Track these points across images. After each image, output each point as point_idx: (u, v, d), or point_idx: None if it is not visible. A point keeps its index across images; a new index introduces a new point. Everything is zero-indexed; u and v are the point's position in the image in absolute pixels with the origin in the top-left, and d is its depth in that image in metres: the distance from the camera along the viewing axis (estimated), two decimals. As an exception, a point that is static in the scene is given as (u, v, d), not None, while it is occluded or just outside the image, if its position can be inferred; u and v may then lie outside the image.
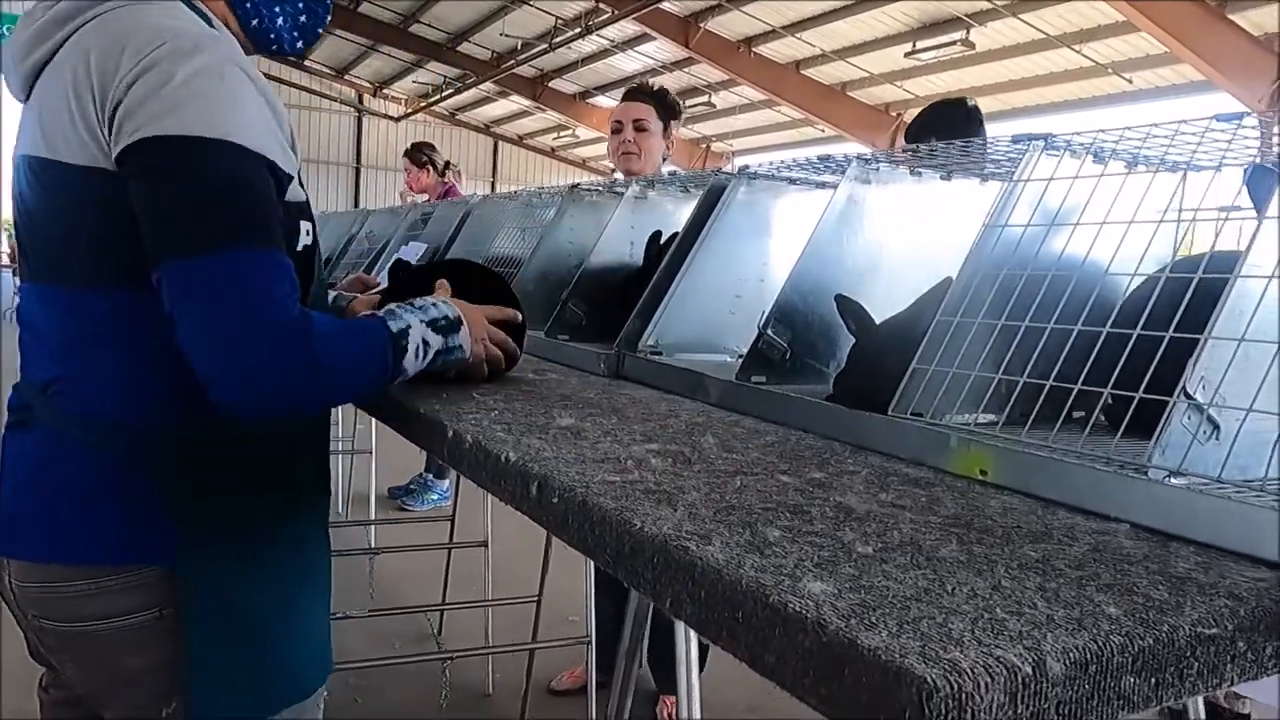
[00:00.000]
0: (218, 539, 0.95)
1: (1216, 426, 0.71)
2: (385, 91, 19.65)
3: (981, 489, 0.77)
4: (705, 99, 14.77)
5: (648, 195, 1.69)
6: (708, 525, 0.61)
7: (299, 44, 1.08)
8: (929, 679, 0.40)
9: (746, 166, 1.40)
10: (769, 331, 1.16)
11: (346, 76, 19.30)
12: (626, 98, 2.63)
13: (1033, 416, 0.83)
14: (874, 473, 0.80)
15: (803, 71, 13.19)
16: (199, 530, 0.94)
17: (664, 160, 2.64)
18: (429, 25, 15.17)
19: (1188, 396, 0.68)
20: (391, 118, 19.79)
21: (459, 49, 15.67)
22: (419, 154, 5.18)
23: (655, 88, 2.66)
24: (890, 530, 0.62)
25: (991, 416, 0.92)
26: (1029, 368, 0.85)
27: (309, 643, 1.05)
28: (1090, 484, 0.71)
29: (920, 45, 11.37)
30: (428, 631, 3.14)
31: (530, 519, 0.74)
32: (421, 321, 1.02)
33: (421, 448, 1.01)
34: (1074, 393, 0.80)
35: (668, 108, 2.60)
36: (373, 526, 3.77)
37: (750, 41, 12.81)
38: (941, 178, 1.26)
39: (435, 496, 4.53)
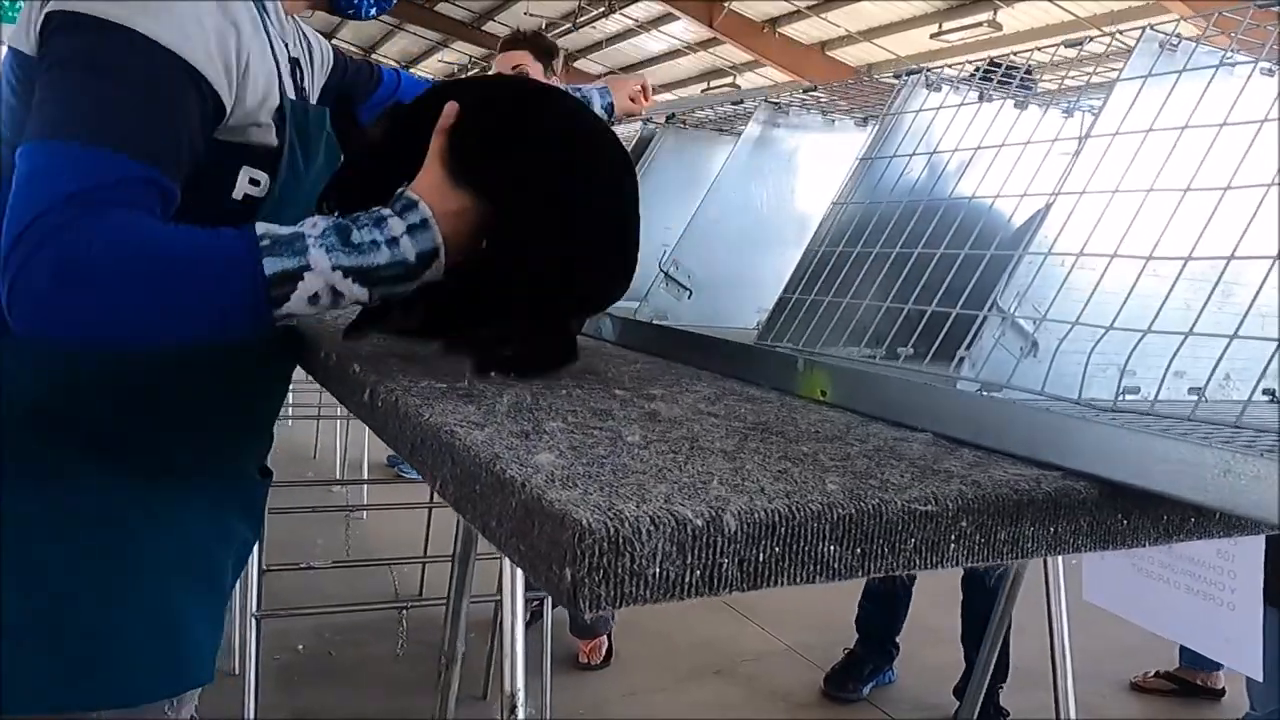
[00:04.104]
0: (44, 506, 0.83)
1: (1036, 344, 0.71)
2: (412, 70, 19.74)
3: (816, 407, 0.78)
4: (730, 80, 14.68)
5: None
6: (493, 418, 0.63)
7: (373, 10, 1.03)
8: (584, 522, 0.41)
9: (673, 115, 1.41)
10: (669, 272, 1.17)
11: (374, 55, 19.40)
12: (502, 48, 2.77)
13: (929, 355, 0.84)
14: (716, 391, 0.82)
15: (828, 53, 13.06)
16: (16, 496, 0.81)
17: None
18: (454, 4, 15.20)
19: (999, 310, 0.69)
20: (418, 97, 19.87)
21: (484, 28, 15.69)
22: None
23: (529, 34, 2.79)
24: (677, 429, 0.64)
25: (869, 351, 0.93)
26: (890, 297, 0.85)
27: (154, 641, 0.87)
28: (903, 397, 0.71)
29: (947, 26, 11.22)
30: (409, 590, 3.20)
31: (363, 421, 0.77)
32: (337, 267, 0.73)
33: (303, 368, 1.03)
34: (945, 328, 0.80)
35: (544, 50, 2.73)
36: (363, 488, 3.83)
37: (775, 22, 12.70)
38: (856, 124, 1.26)
39: (432, 465, 4.58)
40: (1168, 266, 0.66)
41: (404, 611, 2.22)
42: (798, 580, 0.47)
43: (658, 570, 0.43)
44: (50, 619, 0.81)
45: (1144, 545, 0.59)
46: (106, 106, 0.72)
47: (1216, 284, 0.58)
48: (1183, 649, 2.75)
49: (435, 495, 3.06)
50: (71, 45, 0.73)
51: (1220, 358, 0.54)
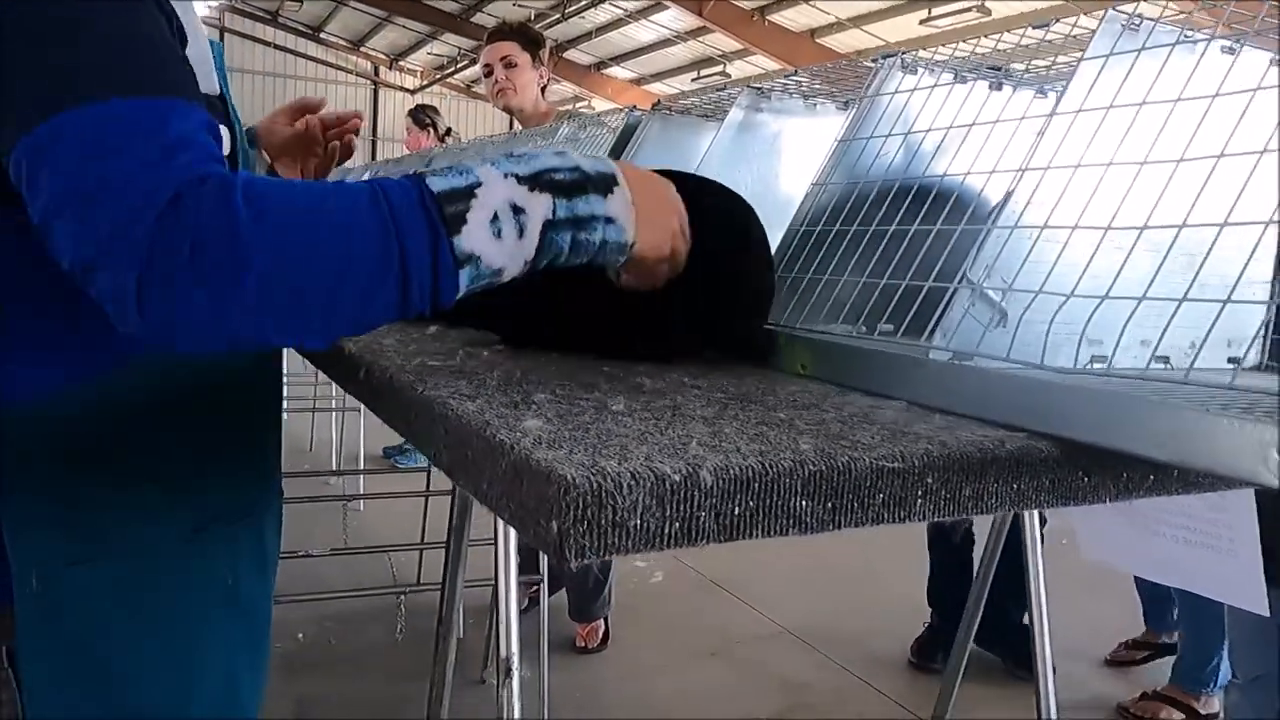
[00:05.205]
0: (74, 560, 0.71)
1: (1004, 314, 0.74)
2: (401, 64, 19.69)
3: (797, 380, 0.81)
4: (720, 69, 14.68)
5: (579, 137, 1.73)
6: (484, 391, 0.66)
7: None
8: (569, 477, 0.44)
9: (659, 102, 1.43)
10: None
11: (363, 49, 19.34)
12: (488, 39, 2.80)
13: (902, 327, 0.86)
14: (700, 367, 0.84)
15: (818, 40, 13.06)
16: (39, 553, 0.70)
17: (543, 90, 2.82)
18: (443, -4, 15.18)
19: (969, 282, 0.72)
20: (408, 90, 19.83)
21: (473, 20, 15.65)
22: (421, 115, 5.09)
23: (516, 24, 2.83)
24: (661, 400, 0.67)
25: (849, 327, 0.95)
26: (868, 273, 0.88)
27: (198, 692, 0.77)
28: (879, 368, 0.74)
29: (935, 13, 11.23)
30: (407, 578, 3.22)
31: (360, 401, 0.79)
32: (509, 174, 0.63)
33: (298, 352, 1.06)
34: (918, 301, 0.83)
35: (531, 40, 2.77)
36: (359, 480, 3.86)
37: (764, 10, 12.69)
38: (837, 107, 1.29)
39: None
40: (1133, 237, 0.69)
41: (402, 597, 2.25)
42: (772, 533, 0.50)
43: (639, 522, 0.46)
44: (80, 660, 0.72)
45: (1104, 501, 0.62)
46: (133, 56, 0.61)
47: (1168, 252, 0.61)
48: (1146, 613, 2.81)
49: (431, 484, 3.10)
50: (37, 7, 0.60)
51: (1170, 319, 0.57)
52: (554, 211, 0.64)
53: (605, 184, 0.67)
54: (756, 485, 0.49)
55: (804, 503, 0.50)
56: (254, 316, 0.55)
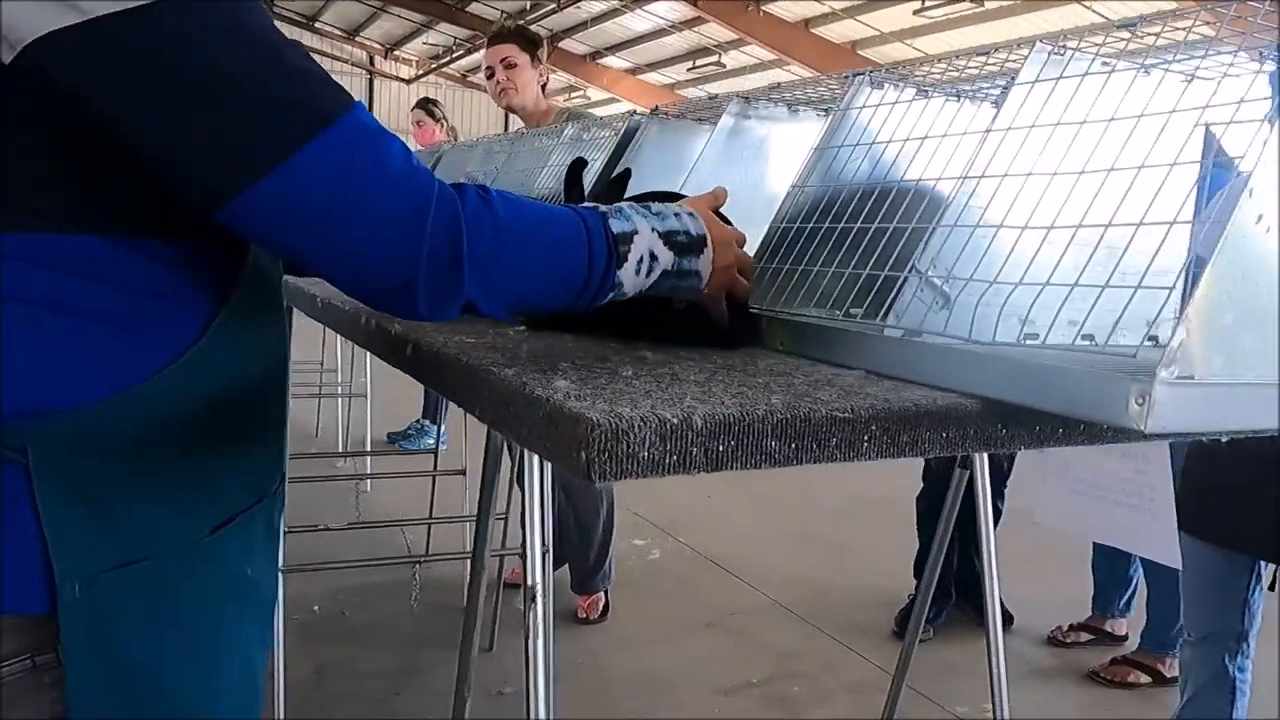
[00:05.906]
0: (108, 566, 0.68)
1: (947, 297, 0.88)
2: (396, 53, 19.74)
3: (776, 355, 0.96)
4: (715, 59, 14.78)
5: (582, 138, 1.87)
6: (517, 362, 0.80)
7: None
8: (594, 419, 0.59)
9: (657, 108, 1.57)
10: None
11: (358, 38, 19.38)
12: (489, 43, 2.99)
13: (863, 309, 1.01)
14: (693, 347, 0.99)
15: (812, 30, 13.18)
16: (80, 559, 0.67)
17: (543, 89, 3.00)
18: (439, -14, 15.24)
19: (917, 271, 0.86)
20: (403, 80, 19.89)
21: (469, 9, 15.72)
22: (435, 108, 4.98)
23: (514, 26, 3.02)
24: (661, 368, 0.81)
25: (820, 311, 1.10)
26: (837, 264, 1.02)
27: (222, 685, 0.77)
28: (844, 344, 0.89)
29: (930, 3, 11.34)
30: (416, 552, 3.38)
31: (408, 375, 0.94)
32: (654, 230, 0.82)
33: (339, 333, 1.20)
34: (875, 287, 0.97)
35: (529, 41, 2.96)
36: (367, 462, 4.00)
37: (758, 0, 12.80)
38: (818, 115, 1.43)
39: (431, 441, 4.75)
40: (1057, 232, 0.84)
41: (418, 566, 2.40)
42: (749, 465, 0.64)
43: (646, 454, 0.60)
44: (117, 664, 0.70)
45: (1021, 449, 0.76)
46: (318, 69, 0.68)
47: (1067, 246, 0.75)
48: (1095, 597, 2.97)
49: (439, 464, 3.25)
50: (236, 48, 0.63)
51: (1064, 300, 0.72)
52: (672, 264, 0.84)
53: (700, 245, 0.87)
54: (736, 428, 0.63)
55: (773, 443, 0.65)
56: (492, 296, 0.72)
